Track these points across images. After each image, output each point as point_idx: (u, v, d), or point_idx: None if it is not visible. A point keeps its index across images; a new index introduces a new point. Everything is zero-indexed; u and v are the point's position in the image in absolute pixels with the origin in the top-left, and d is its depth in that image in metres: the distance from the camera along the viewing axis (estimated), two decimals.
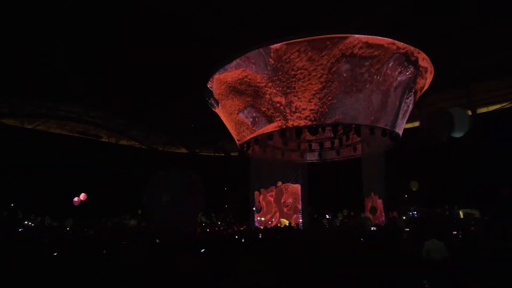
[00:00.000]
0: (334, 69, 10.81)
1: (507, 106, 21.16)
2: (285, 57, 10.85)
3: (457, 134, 5.60)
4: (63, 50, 16.88)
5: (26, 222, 20.56)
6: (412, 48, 11.28)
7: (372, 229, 9.43)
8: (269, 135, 12.73)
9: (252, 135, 12.93)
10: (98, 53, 17.23)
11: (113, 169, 25.09)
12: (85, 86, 19.79)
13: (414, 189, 13.36)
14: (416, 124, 24.37)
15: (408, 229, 8.21)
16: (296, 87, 11.12)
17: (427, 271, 4.66)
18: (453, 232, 6.08)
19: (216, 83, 12.62)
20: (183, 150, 33.78)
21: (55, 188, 21.66)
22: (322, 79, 10.97)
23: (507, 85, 20.40)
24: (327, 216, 24.38)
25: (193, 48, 16.42)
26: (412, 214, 18.54)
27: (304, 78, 11.03)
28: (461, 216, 20.26)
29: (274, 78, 11.37)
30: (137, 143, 31.53)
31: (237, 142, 14.77)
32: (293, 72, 11.08)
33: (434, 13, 14.20)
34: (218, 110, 15.68)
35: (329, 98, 11.14)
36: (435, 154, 21.28)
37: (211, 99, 14.26)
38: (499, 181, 17.55)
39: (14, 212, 19.41)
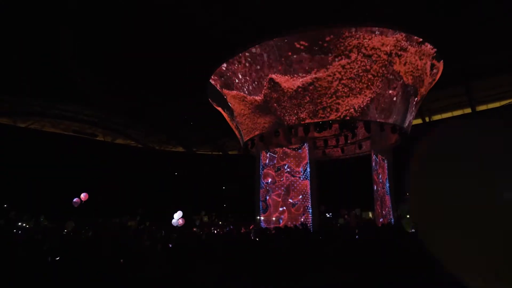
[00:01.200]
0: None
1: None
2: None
3: None
4: (66, 49, 16.55)
5: (20, 224, 19.93)
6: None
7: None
8: (276, 131, 12.40)
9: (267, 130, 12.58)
10: (98, 52, 16.90)
11: (108, 169, 24.53)
12: (89, 85, 19.45)
13: None
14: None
15: None
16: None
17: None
18: None
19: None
20: (180, 149, 33.27)
21: (49, 188, 21.06)
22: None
23: (508, 82, 20.44)
24: (327, 215, 24.21)
25: (194, 47, 16.21)
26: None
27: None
28: None
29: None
30: (133, 142, 30.92)
31: (243, 137, 14.35)
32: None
33: (433, 13, 14.26)
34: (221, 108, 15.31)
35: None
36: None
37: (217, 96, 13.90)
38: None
39: (7, 213, 18.76)
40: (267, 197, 13.34)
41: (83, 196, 15.35)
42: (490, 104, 22.91)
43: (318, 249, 5.97)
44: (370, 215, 21.62)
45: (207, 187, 27.50)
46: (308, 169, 12.58)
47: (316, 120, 11.44)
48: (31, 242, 8.42)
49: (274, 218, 13.19)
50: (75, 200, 15.06)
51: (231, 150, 32.30)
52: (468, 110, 23.69)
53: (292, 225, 10.95)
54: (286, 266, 4.90)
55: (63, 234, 11.02)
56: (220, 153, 33.35)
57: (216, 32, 15.69)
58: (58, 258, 6.54)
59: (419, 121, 24.67)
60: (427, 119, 25.21)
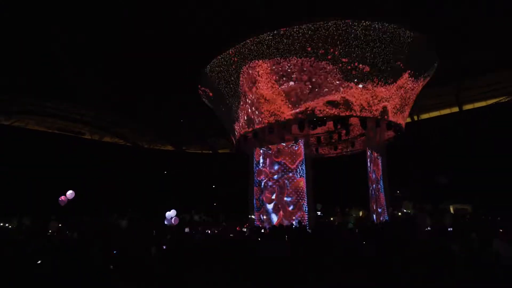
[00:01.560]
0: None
1: (503, 100, 21.65)
2: None
3: None
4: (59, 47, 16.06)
5: (1, 224, 19.16)
6: None
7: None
8: (270, 128, 12.14)
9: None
10: (92, 50, 16.54)
11: (96, 167, 23.83)
12: (80, 83, 18.93)
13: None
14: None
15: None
16: None
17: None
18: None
19: None
20: (169, 148, 32.72)
21: (34, 187, 20.30)
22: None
23: (495, 82, 20.79)
24: (318, 213, 24.18)
25: (187, 47, 15.88)
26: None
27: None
28: (452, 211, 20.54)
29: None
30: (121, 140, 30.16)
31: (236, 134, 14.01)
32: None
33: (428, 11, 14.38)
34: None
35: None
36: (425, 149, 21.60)
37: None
38: (491, 175, 17.87)
39: None
40: (261, 195, 13.10)
41: (70, 194, 14.57)
42: (476, 103, 23.35)
43: (317, 250, 5.81)
44: (361, 213, 21.68)
45: (197, 186, 27.12)
46: (304, 167, 12.40)
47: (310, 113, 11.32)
48: (12, 243, 7.95)
49: (266, 217, 12.98)
50: (61, 198, 14.29)
51: (221, 148, 31.96)
52: (455, 109, 24.11)
53: (288, 223, 10.77)
54: (285, 266, 4.71)
55: (47, 234, 10.49)
56: (210, 151, 32.96)
57: (215, 32, 15.45)
58: (39, 262, 6.07)
59: (407, 119, 24.96)
60: (415, 118, 25.52)
